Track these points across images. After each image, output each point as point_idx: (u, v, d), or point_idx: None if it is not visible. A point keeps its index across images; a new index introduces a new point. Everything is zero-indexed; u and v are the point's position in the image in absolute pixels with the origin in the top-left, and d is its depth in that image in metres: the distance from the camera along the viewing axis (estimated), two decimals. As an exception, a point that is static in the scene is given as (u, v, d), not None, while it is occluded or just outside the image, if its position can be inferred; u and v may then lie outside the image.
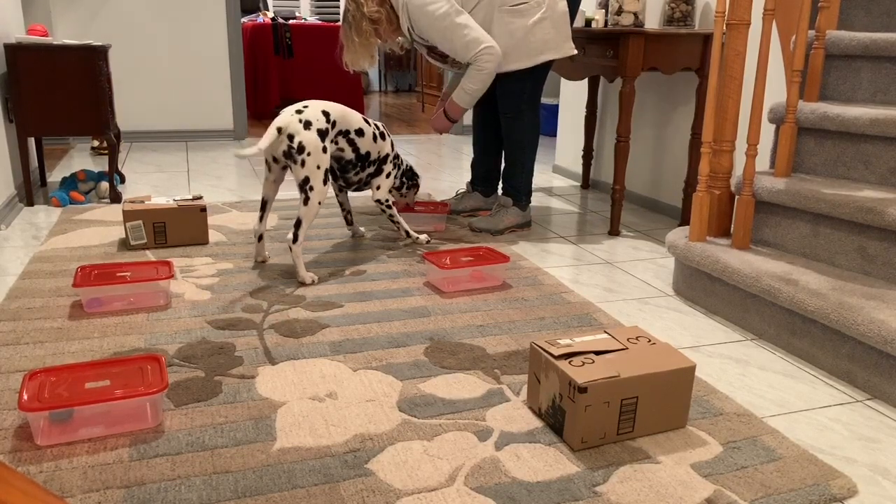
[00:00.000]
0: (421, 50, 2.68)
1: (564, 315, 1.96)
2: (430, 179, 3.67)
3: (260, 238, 2.26)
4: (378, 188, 2.41)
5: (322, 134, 2.08)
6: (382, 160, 2.39)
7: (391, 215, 2.46)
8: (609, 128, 3.57)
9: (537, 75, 2.61)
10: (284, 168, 2.15)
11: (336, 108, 2.17)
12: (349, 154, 2.26)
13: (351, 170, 2.32)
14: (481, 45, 2.45)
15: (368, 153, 2.32)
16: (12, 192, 2.86)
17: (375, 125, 2.36)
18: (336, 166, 2.30)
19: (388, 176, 2.42)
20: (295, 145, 2.04)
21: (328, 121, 2.12)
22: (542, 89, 2.67)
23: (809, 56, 2.18)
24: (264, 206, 2.22)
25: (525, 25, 2.49)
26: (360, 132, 2.26)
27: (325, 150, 2.08)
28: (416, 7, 2.46)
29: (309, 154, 2.04)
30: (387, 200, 2.43)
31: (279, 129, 2.03)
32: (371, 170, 2.36)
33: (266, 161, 2.15)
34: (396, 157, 2.46)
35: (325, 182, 2.08)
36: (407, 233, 2.52)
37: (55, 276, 2.10)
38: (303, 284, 2.10)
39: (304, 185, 2.06)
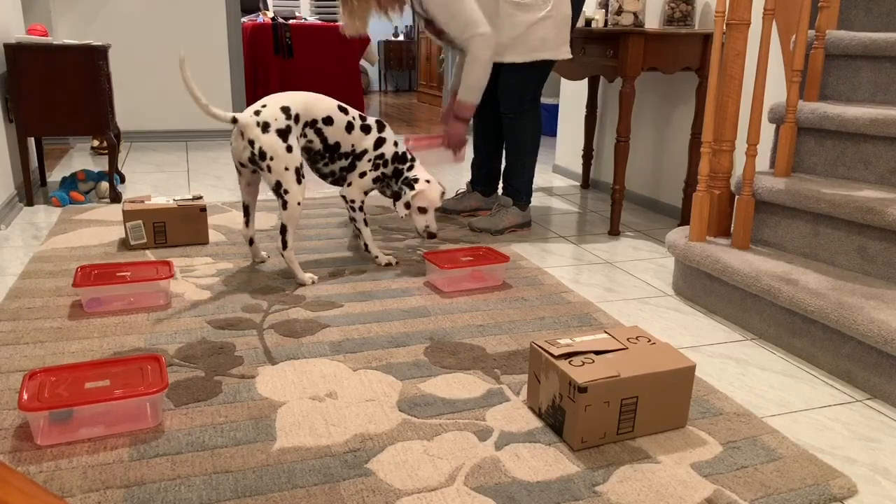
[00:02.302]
0: (419, 21, 2.65)
1: (564, 315, 1.96)
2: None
3: (251, 242, 2.24)
4: (349, 185, 2.20)
5: (283, 133, 1.97)
6: (358, 155, 2.18)
7: (355, 219, 2.24)
8: (609, 128, 3.57)
9: (538, 75, 2.61)
10: (255, 172, 2.07)
11: (298, 100, 2.04)
12: (317, 144, 2.11)
13: (319, 160, 2.16)
14: (477, 28, 2.44)
15: (338, 143, 2.13)
16: (12, 191, 2.86)
17: (362, 117, 2.18)
18: (306, 157, 2.13)
19: (362, 175, 2.19)
20: (256, 151, 1.95)
21: (289, 116, 1.99)
22: (542, 89, 2.67)
23: (809, 56, 2.18)
24: (247, 210, 2.17)
25: (528, 21, 2.49)
26: (328, 121, 2.10)
27: (290, 149, 1.97)
28: None
29: (272, 158, 1.95)
30: (353, 201, 2.22)
31: (233, 120, 1.95)
32: (344, 163, 2.17)
33: (236, 166, 2.08)
34: (381, 157, 2.20)
35: (298, 181, 1.99)
36: (366, 247, 2.29)
37: (55, 276, 2.10)
38: (303, 286, 2.10)
39: (278, 190, 1.98)
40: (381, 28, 8.42)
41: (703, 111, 2.76)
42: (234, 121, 1.96)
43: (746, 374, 1.67)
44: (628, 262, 2.48)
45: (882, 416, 1.51)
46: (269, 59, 5.71)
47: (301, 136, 2.06)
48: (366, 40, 6.13)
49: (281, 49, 5.75)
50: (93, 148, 4.13)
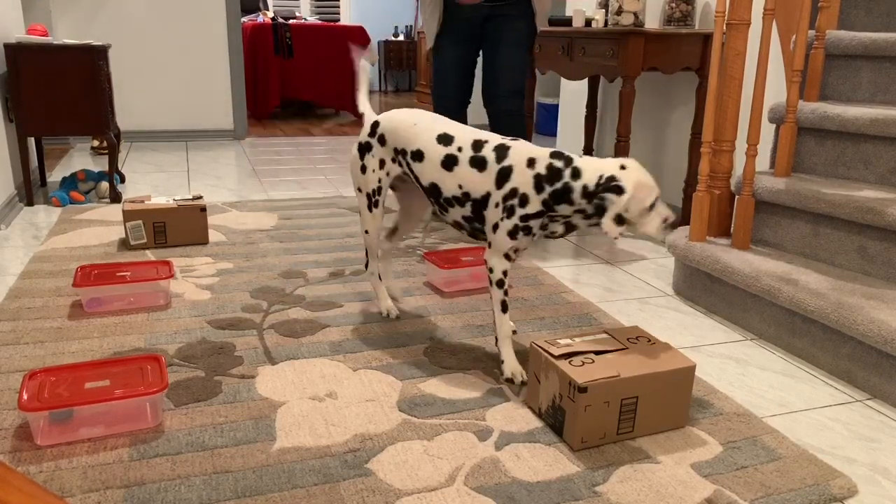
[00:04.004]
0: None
1: (564, 315, 1.96)
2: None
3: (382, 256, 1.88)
4: (489, 245, 1.54)
5: (361, 150, 1.71)
6: (479, 201, 1.49)
7: (494, 304, 1.55)
8: (609, 128, 3.57)
9: (526, 72, 2.59)
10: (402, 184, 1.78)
11: (394, 119, 1.64)
12: (416, 183, 1.64)
13: (433, 205, 1.65)
14: None
15: (435, 186, 1.55)
16: (12, 191, 2.86)
17: (476, 144, 1.50)
18: None
19: (494, 229, 1.48)
20: None
21: (373, 133, 1.68)
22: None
23: (809, 56, 2.18)
24: (392, 230, 1.89)
25: None
26: (417, 155, 1.57)
27: (363, 169, 1.69)
28: None
29: (352, 172, 1.75)
30: (490, 269, 1.53)
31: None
32: (465, 211, 1.53)
33: None
34: (513, 193, 1.44)
35: (369, 208, 1.72)
36: (497, 341, 1.59)
37: (55, 276, 2.10)
38: (386, 316, 1.89)
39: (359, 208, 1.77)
40: (381, 28, 8.42)
41: (703, 111, 2.75)
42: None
43: (746, 374, 1.67)
44: (628, 262, 2.48)
45: (882, 416, 1.51)
46: (269, 59, 5.71)
47: (395, 163, 1.66)
48: (366, 40, 6.12)
49: (281, 49, 5.75)
50: (93, 148, 4.14)
